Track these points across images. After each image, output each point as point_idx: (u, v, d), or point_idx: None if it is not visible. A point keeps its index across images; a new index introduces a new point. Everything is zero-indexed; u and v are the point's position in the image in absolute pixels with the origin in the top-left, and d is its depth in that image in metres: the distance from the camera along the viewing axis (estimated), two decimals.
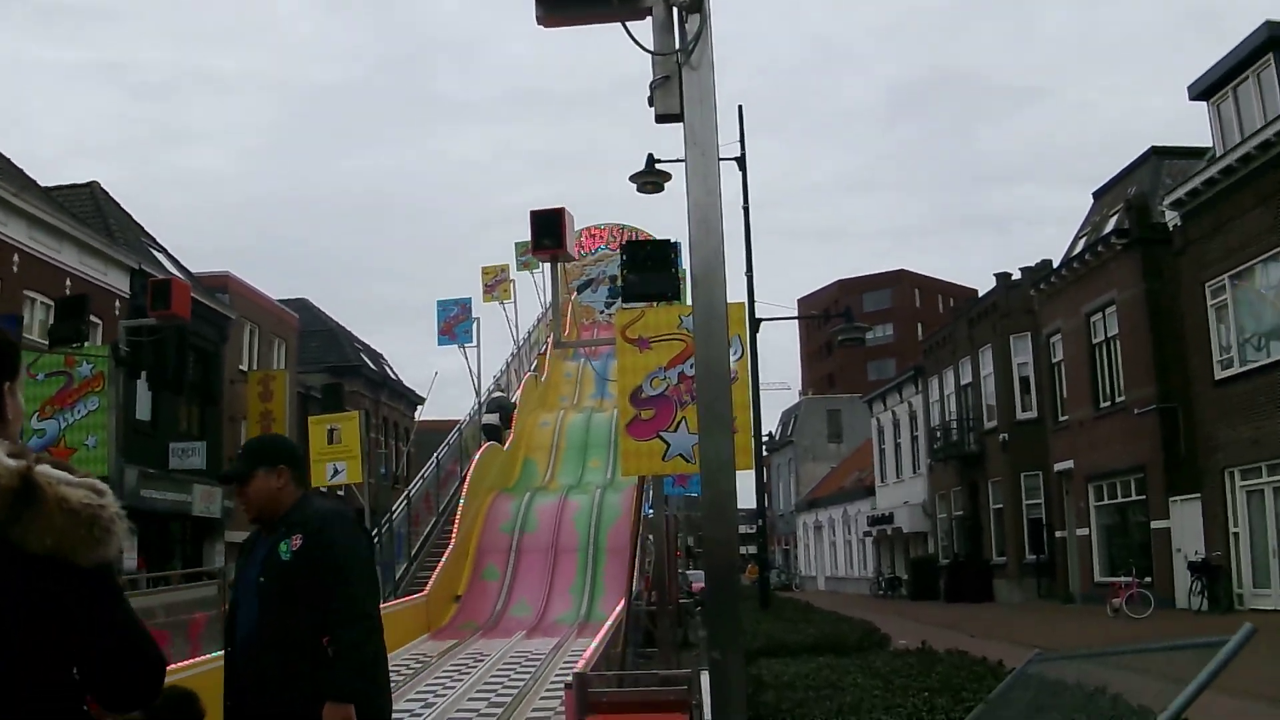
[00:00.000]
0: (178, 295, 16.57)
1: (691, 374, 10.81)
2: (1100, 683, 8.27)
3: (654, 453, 10.95)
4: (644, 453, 10.99)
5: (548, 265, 16.49)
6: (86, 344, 18.77)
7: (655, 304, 11.85)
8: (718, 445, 3.72)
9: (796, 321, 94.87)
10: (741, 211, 26.68)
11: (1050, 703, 7.89)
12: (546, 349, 36.84)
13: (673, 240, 12.53)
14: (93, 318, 26.40)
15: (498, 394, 31.78)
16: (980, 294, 49.17)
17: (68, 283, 27.36)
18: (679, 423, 10.90)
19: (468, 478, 23.57)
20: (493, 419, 28.58)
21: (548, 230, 12.98)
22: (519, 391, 30.78)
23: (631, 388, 11.09)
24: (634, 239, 45.93)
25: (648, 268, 11.54)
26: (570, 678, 8.25)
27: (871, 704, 8.85)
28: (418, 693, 12.77)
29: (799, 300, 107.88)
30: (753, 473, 29.89)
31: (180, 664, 11.04)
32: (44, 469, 2.50)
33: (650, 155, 19.57)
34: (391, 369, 59.68)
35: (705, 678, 7.93)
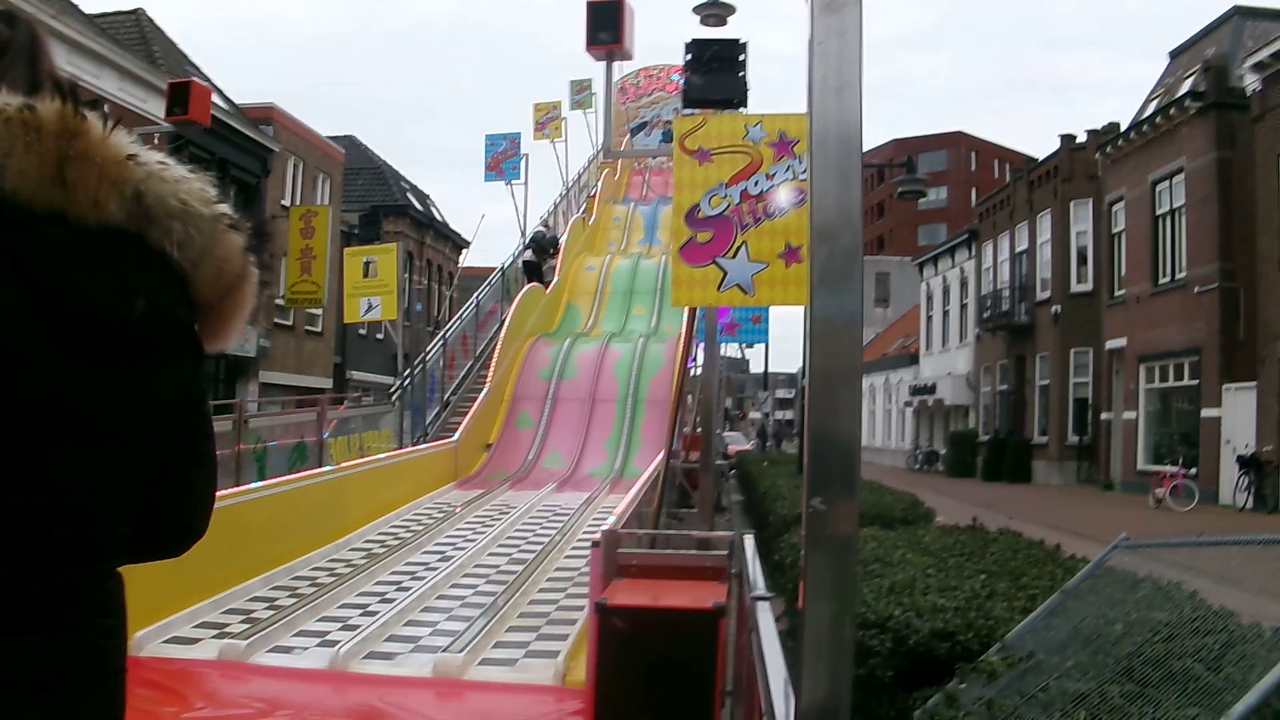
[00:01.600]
0: (196, 99, 15.54)
1: (756, 192, 9.74)
2: (1176, 578, 7.51)
3: (709, 281, 9.77)
4: (697, 280, 9.80)
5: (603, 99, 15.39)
6: None
7: (719, 111, 10.69)
8: (841, 303, 2.81)
9: None
10: (806, 48, 25.47)
11: (1126, 596, 7.14)
12: (596, 192, 35.99)
13: (741, 40, 11.32)
14: None
15: (539, 229, 30.89)
16: (1038, 160, 47.48)
17: (106, 109, 26.42)
18: (739, 248, 9.72)
19: (507, 320, 22.80)
20: (528, 256, 27.76)
21: (605, 22, 11.95)
22: (564, 234, 29.87)
23: (688, 205, 9.84)
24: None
25: (713, 69, 10.46)
26: (599, 535, 7.47)
27: (926, 584, 8.08)
28: (437, 544, 12.08)
29: None
30: (808, 319, 29.24)
31: None
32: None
33: None
34: (438, 210, 58.81)
35: (749, 542, 7.12)
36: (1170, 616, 6.44)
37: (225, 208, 1.98)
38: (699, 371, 21.43)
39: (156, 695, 6.86)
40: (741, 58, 11.24)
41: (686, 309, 14.98)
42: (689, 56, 11.18)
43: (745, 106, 11.08)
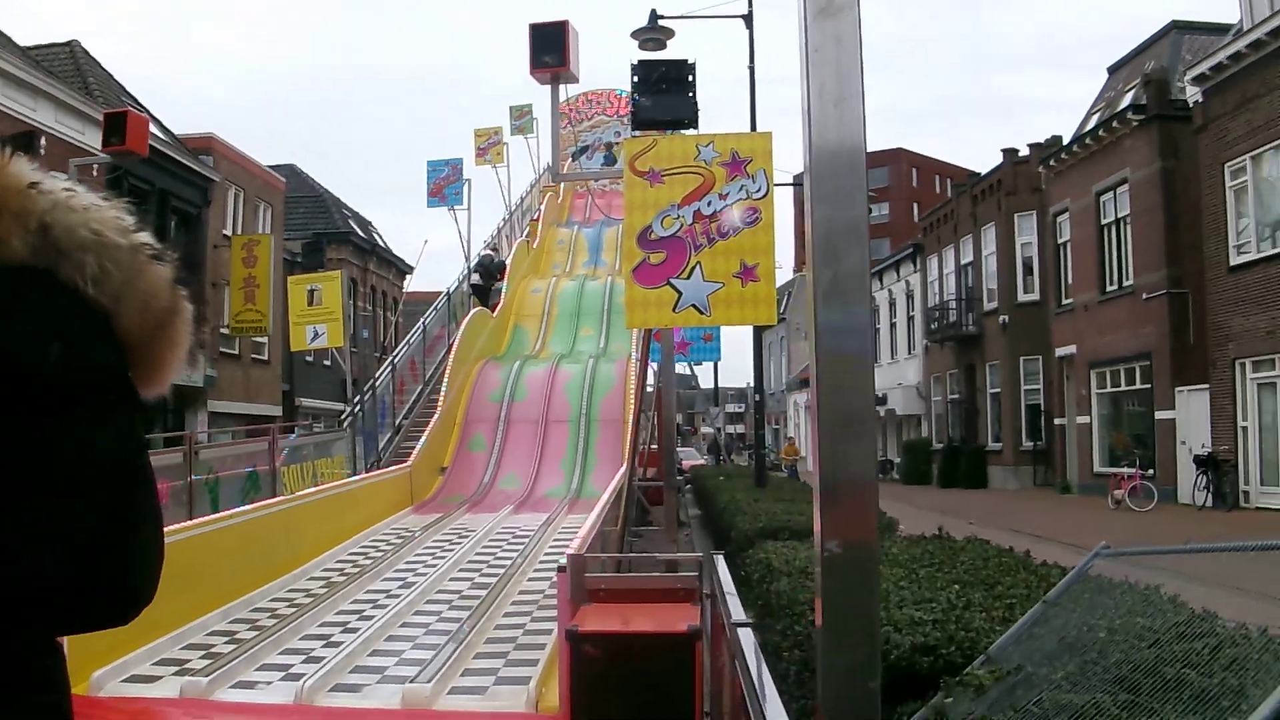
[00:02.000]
0: (134, 129, 15.25)
1: (709, 212, 9.64)
2: (1154, 581, 7.44)
3: (664, 302, 9.64)
4: (652, 302, 9.67)
5: (543, 125, 15.24)
6: None
7: (669, 132, 10.59)
8: (850, 329, 2.59)
9: (791, 198, 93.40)
10: (747, 72, 25.66)
11: (1106, 602, 7.06)
12: (539, 215, 35.90)
13: (689, 60, 11.21)
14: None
15: (485, 252, 30.75)
16: (981, 175, 47.87)
17: (43, 142, 26.15)
18: (693, 268, 9.60)
19: (455, 344, 22.62)
20: (476, 280, 27.66)
21: (549, 44, 11.84)
22: (510, 257, 29.72)
23: (639, 227, 9.70)
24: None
25: (662, 89, 10.37)
26: (563, 559, 7.32)
27: (900, 598, 7.97)
28: (396, 571, 11.89)
29: (792, 176, 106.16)
30: (757, 336, 29.20)
31: None
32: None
33: (654, 11, 18.40)
34: (380, 237, 58.50)
35: (720, 564, 7.00)
36: (1153, 622, 6.35)
37: (145, 237, 1.83)
38: (650, 389, 21.33)
39: None
40: (690, 78, 11.17)
41: (639, 330, 14.89)
42: (636, 78, 11.11)
43: (696, 127, 11.01)
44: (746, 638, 4.41)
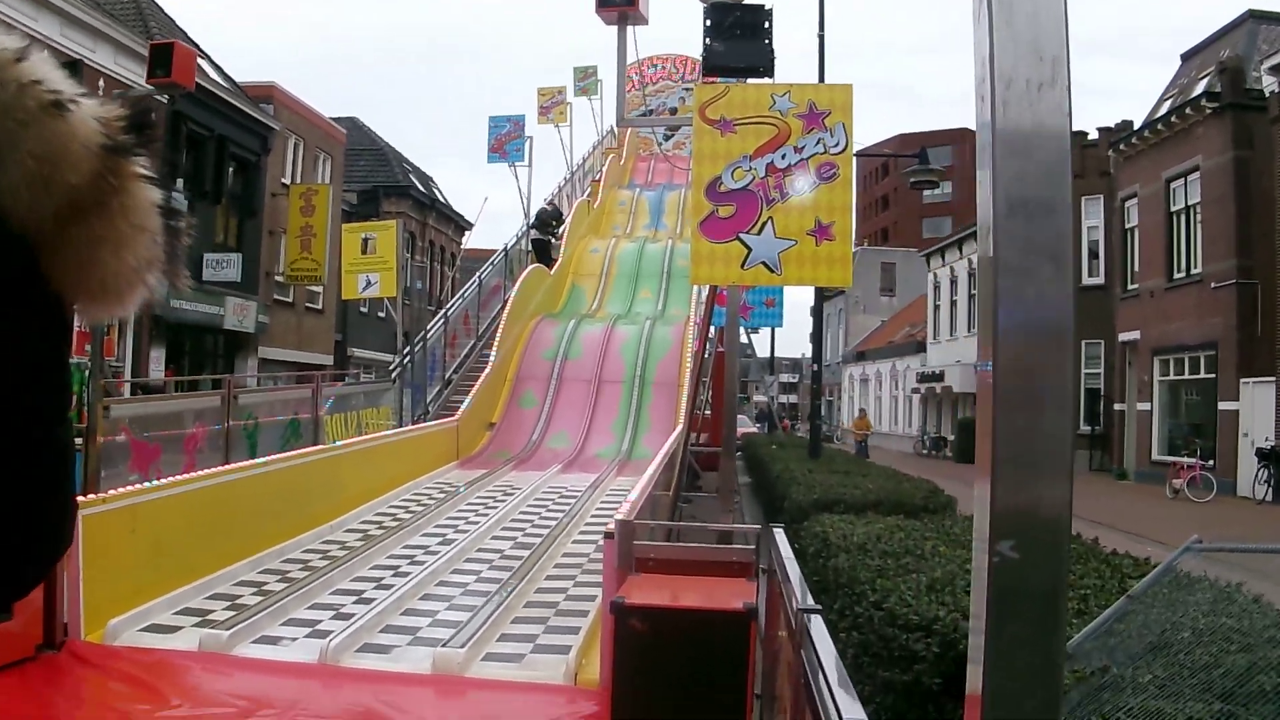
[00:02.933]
0: (180, 61, 14.66)
1: (783, 165, 9.11)
2: (1228, 578, 6.94)
3: (731, 258, 9.10)
4: (719, 257, 9.14)
5: (607, 86, 14.71)
6: None
7: (742, 80, 10.02)
8: (1052, 293, 2.00)
9: (854, 172, 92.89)
10: (816, 39, 25.18)
11: (1187, 599, 6.59)
12: (601, 176, 35.50)
13: (765, 5, 10.59)
14: None
15: (545, 207, 30.37)
16: None
17: (100, 83, 25.85)
18: (764, 224, 9.05)
19: (510, 300, 22.22)
20: (535, 234, 27.28)
21: None
22: (569, 217, 29.32)
23: (708, 178, 9.16)
24: (698, 69, 44.48)
25: (736, 35, 9.79)
26: (611, 524, 6.87)
27: (967, 581, 7.47)
28: (437, 526, 11.49)
29: (856, 154, 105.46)
30: (819, 304, 28.69)
31: (171, 478, 9.82)
32: None
33: None
34: (441, 192, 58.15)
35: (780, 538, 6.52)
36: (1241, 624, 5.93)
37: (43, 73, 1.35)
38: (708, 353, 20.88)
39: (130, 690, 6.27)
40: (767, 24, 10.57)
41: (705, 289, 14.35)
42: (708, 22, 10.51)
43: (771, 76, 10.43)
44: (817, 626, 3.93)
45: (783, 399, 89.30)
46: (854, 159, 9.43)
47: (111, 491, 7.85)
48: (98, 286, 1.44)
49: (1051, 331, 1.99)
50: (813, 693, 3.62)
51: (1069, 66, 2.09)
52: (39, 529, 1.41)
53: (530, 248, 27.53)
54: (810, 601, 4.55)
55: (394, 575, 9.19)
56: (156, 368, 29.45)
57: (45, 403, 1.40)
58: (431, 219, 53.18)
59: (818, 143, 9.22)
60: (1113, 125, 41.48)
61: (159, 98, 19.52)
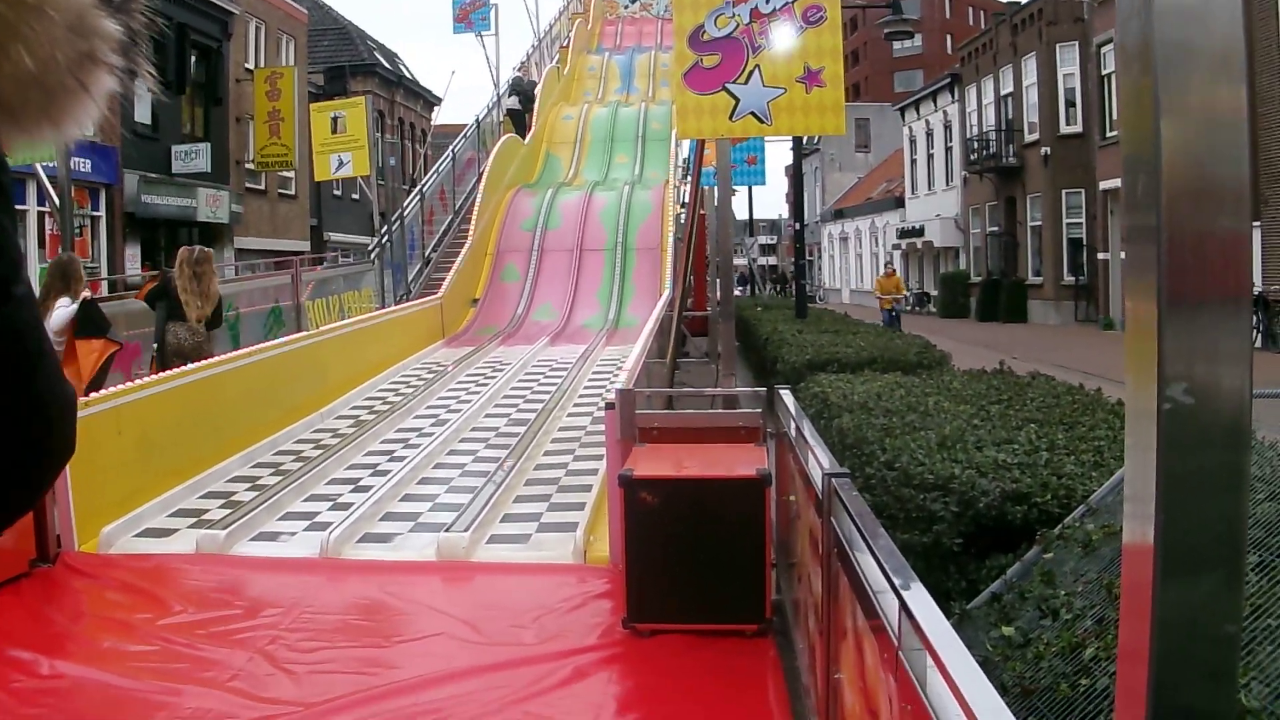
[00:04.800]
0: None
1: (767, 10, 8.73)
2: (1256, 417, 6.77)
3: (719, 109, 8.74)
4: (706, 109, 8.77)
5: None
6: None
7: None
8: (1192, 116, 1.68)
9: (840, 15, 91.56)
10: None
11: None
12: (569, 43, 34.91)
13: None
14: None
15: (516, 74, 29.87)
16: (1021, 3, 46.31)
17: None
18: (750, 72, 8.68)
19: (485, 172, 21.85)
20: (513, 104, 26.91)
21: None
22: (539, 85, 28.82)
23: (690, 27, 8.75)
24: None
25: None
26: (611, 393, 6.66)
27: (977, 437, 7.31)
28: (428, 408, 11.28)
29: None
30: (797, 162, 28.40)
31: (154, 375, 9.58)
32: None
33: None
34: (407, 69, 57.25)
35: (789, 400, 6.31)
36: (1263, 472, 5.74)
37: None
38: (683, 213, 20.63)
39: (128, 599, 6.08)
40: None
41: (686, 149, 13.99)
42: None
43: None
44: (847, 491, 3.72)
45: (761, 260, 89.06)
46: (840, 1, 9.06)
47: (94, 395, 7.60)
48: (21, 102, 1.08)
49: (1229, 187, 1.70)
50: (851, 562, 3.43)
51: None
52: None
53: (504, 117, 27.14)
54: (835, 464, 4.35)
55: (389, 460, 9.00)
56: (132, 265, 29.04)
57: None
58: (400, 96, 52.43)
59: None
60: None
61: None
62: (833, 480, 3.88)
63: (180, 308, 10.84)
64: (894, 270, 33.60)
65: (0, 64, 1.04)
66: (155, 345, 11.11)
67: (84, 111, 1.14)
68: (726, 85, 8.75)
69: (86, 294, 10.50)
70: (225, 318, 12.58)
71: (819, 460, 4.52)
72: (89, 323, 10.03)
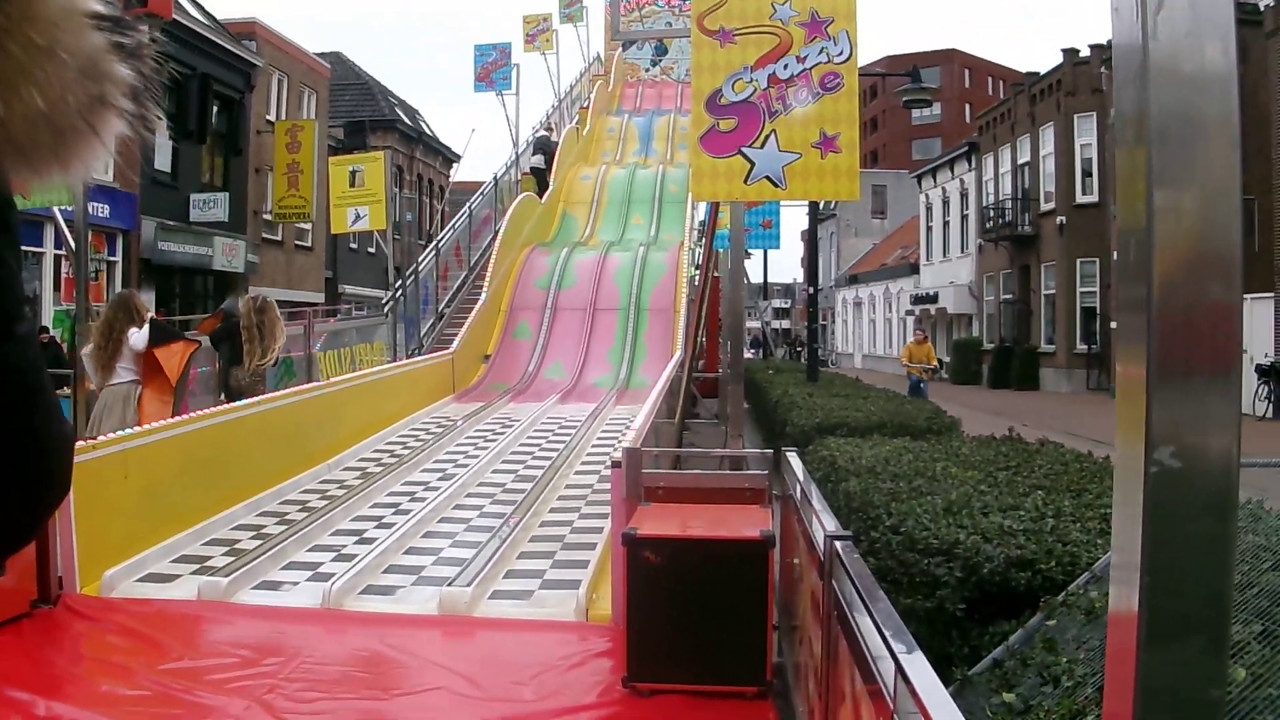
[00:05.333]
0: None
1: (785, 76, 8.79)
2: (1260, 487, 6.76)
3: (734, 173, 8.81)
4: (721, 172, 8.84)
5: (593, 13, 14.29)
6: None
7: None
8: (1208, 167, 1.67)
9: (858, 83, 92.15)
10: None
11: None
12: (589, 103, 35.14)
13: None
14: None
15: (541, 133, 30.10)
16: (1040, 74, 46.62)
17: None
18: (767, 137, 8.75)
19: (501, 230, 21.94)
20: (538, 161, 27.11)
21: None
22: (559, 144, 29.00)
23: (708, 91, 8.83)
24: None
25: None
26: (618, 452, 6.65)
27: (983, 503, 7.30)
28: (436, 462, 11.29)
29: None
30: (813, 227, 28.43)
31: (161, 423, 9.60)
32: None
33: None
34: (427, 125, 57.63)
35: (795, 462, 6.30)
36: (1269, 541, 5.74)
37: None
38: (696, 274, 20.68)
39: (129, 644, 6.07)
40: None
41: (702, 213, 14.06)
42: None
43: None
44: (849, 555, 3.72)
45: (775, 324, 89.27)
46: (856, 68, 9.11)
47: (102, 437, 7.61)
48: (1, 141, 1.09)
49: (1220, 259, 1.72)
50: (851, 625, 3.42)
51: None
52: None
53: (521, 175, 27.36)
54: (839, 527, 4.34)
55: (395, 513, 9.00)
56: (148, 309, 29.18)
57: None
58: (419, 152, 52.78)
59: (821, 52, 8.91)
60: (1105, 42, 41.04)
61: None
62: (835, 543, 3.88)
63: (240, 353, 12.32)
64: (925, 336, 30.84)
65: (11, 103, 1.05)
66: (219, 383, 12.80)
67: (93, 154, 1.16)
68: (742, 149, 8.80)
69: (150, 314, 11.99)
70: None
71: (822, 523, 4.51)
72: (162, 333, 11.65)
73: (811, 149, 8.80)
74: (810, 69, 8.89)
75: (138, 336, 11.24)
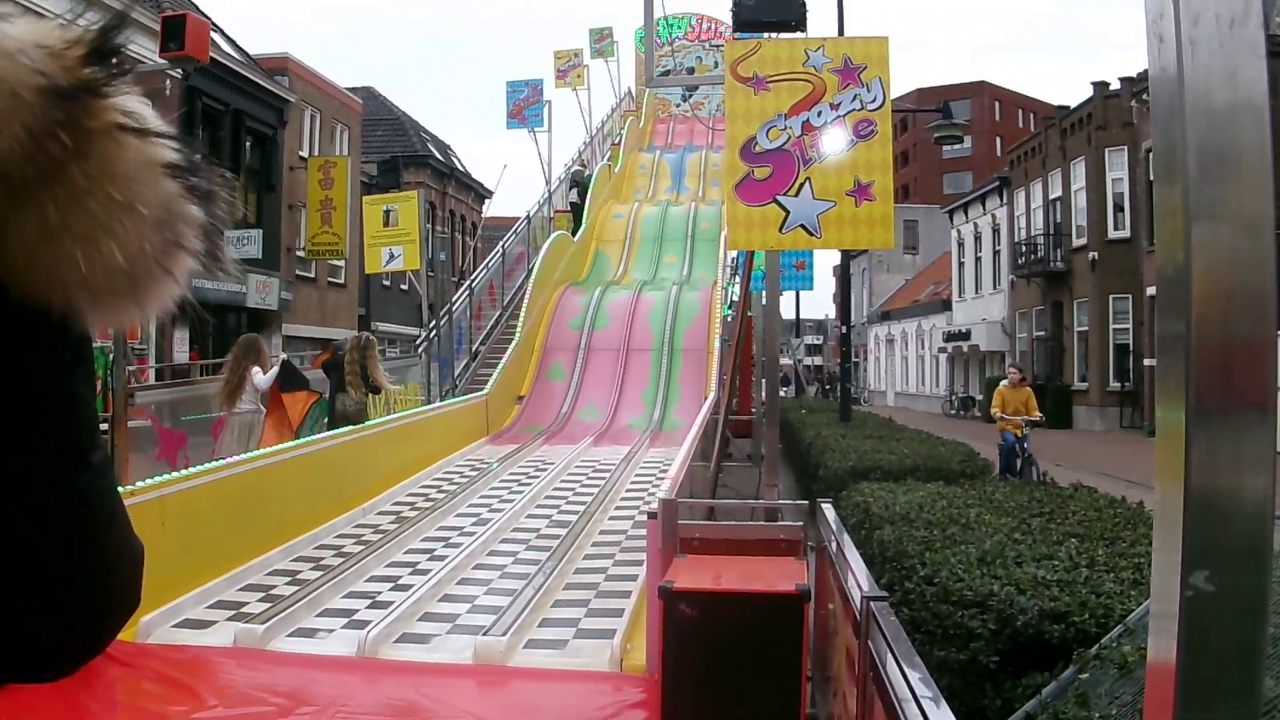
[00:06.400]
0: (193, 33, 14.40)
1: (819, 123, 8.84)
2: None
3: (769, 221, 8.85)
4: (756, 221, 8.88)
5: (623, 48, 14.42)
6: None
7: (774, 35, 9.76)
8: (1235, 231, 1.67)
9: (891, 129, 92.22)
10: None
11: None
12: (621, 140, 35.29)
13: None
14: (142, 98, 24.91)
15: (576, 168, 30.32)
16: (1071, 108, 46.62)
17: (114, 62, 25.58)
18: (801, 185, 8.79)
19: (535, 269, 22.03)
20: (574, 196, 27.42)
21: None
22: (591, 182, 29.12)
23: (743, 139, 8.89)
24: (715, 27, 44.32)
25: None
26: (654, 503, 6.66)
27: (1018, 552, 7.30)
28: (471, 506, 11.29)
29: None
30: (845, 265, 28.47)
31: (199, 466, 9.66)
32: None
33: None
34: (459, 160, 57.99)
35: (830, 514, 6.32)
36: None
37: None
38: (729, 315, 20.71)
39: (165, 691, 6.09)
40: None
41: (730, 253, 14.14)
42: None
43: (804, 30, 10.17)
44: (885, 615, 3.74)
45: (807, 360, 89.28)
46: (890, 115, 9.15)
47: (139, 483, 7.66)
48: (80, 289, 1.14)
49: (1254, 295, 1.73)
50: (886, 687, 3.43)
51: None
52: (60, 597, 1.20)
53: (554, 212, 27.55)
54: (874, 586, 4.36)
55: (430, 559, 9.02)
56: (181, 349, 29.40)
57: (42, 447, 1.16)
58: (451, 188, 53.10)
59: (854, 99, 8.97)
60: (1135, 75, 41.02)
61: (173, 72, 19.32)
62: (871, 604, 3.89)
63: (345, 383, 14.58)
64: (1023, 375, 24.46)
65: (92, 257, 1.09)
66: (327, 408, 14.59)
67: (167, 293, 1.20)
68: (777, 197, 8.85)
69: (283, 356, 14.68)
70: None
71: (858, 580, 4.53)
72: (291, 378, 13.99)
73: (846, 197, 8.85)
74: (844, 116, 8.95)
75: (262, 378, 13.56)
